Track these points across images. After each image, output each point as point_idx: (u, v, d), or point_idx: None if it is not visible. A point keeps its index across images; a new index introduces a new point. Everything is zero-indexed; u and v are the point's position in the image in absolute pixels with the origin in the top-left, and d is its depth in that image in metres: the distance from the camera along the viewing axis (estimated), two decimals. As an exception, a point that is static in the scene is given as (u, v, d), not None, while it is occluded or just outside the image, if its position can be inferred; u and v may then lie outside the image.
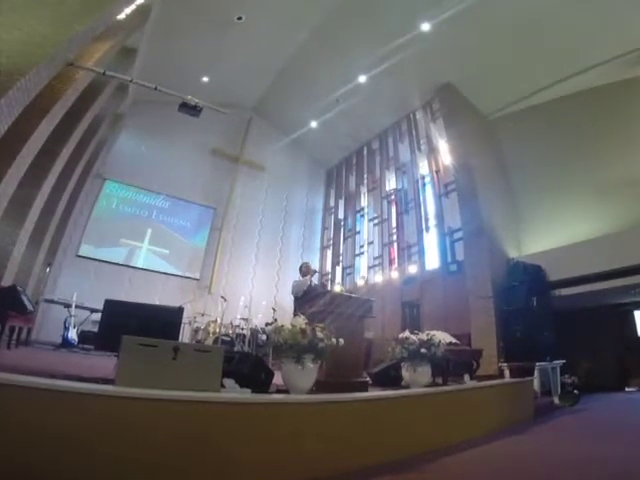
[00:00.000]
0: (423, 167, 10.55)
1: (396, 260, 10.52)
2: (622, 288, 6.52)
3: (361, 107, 10.82)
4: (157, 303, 9.03)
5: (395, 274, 10.19)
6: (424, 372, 3.71)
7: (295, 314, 3.21)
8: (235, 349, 7.26)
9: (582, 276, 6.66)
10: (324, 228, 14.27)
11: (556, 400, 5.84)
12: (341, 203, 13.76)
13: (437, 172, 9.86)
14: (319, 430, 2.41)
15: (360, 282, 11.46)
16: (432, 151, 10.22)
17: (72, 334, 7.44)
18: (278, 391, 2.86)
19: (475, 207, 7.92)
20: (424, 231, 9.86)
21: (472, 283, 7.57)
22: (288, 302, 7.87)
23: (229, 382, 2.44)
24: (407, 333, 3.90)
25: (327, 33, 9.53)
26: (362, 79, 9.94)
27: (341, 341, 2.89)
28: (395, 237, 10.81)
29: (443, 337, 4.13)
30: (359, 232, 12.49)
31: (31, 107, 4.46)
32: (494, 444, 3.40)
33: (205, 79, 10.92)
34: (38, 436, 1.62)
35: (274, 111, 13.14)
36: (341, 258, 12.90)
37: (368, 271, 11.43)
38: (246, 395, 2.35)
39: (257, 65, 10.85)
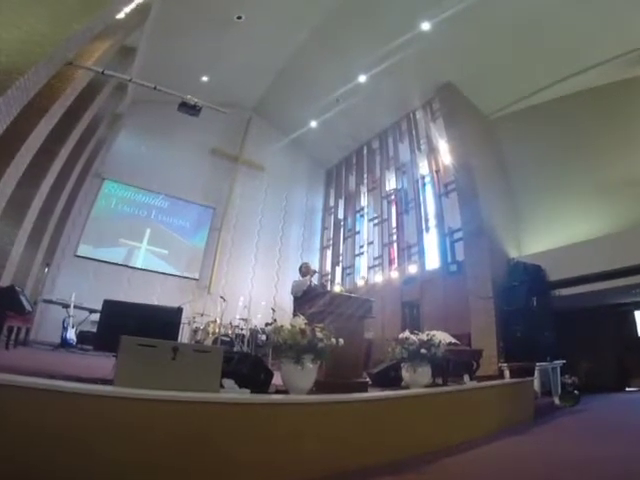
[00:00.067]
0: (423, 167, 10.54)
1: (396, 260, 10.52)
2: (622, 288, 6.52)
3: (361, 107, 10.81)
4: (156, 303, 9.03)
5: (395, 274, 10.18)
6: (424, 372, 3.71)
7: (295, 314, 3.20)
8: (234, 349, 7.24)
9: (582, 276, 6.65)
10: (324, 228, 14.26)
11: (556, 400, 5.84)
12: (341, 203, 13.75)
13: (437, 172, 9.85)
14: (318, 430, 2.41)
15: (360, 282, 11.45)
16: (432, 151, 10.21)
17: (71, 334, 7.42)
18: (277, 391, 2.85)
19: (475, 207, 7.91)
20: (424, 231, 9.85)
21: (472, 283, 7.56)
22: (288, 302, 7.85)
23: (228, 382, 2.43)
24: (407, 333, 3.89)
25: (327, 33, 9.53)
26: (362, 79, 9.93)
27: (341, 341, 2.88)
28: (395, 237, 10.80)
29: (443, 337, 4.12)
30: (359, 232, 12.48)
31: (30, 106, 4.45)
32: (494, 445, 3.39)
33: (205, 78, 10.90)
34: (36, 436, 1.62)
35: (274, 111, 13.12)
36: (341, 258, 12.89)
37: (368, 271, 11.42)
38: (245, 395, 2.35)
39: (257, 65, 10.84)
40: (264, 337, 7.77)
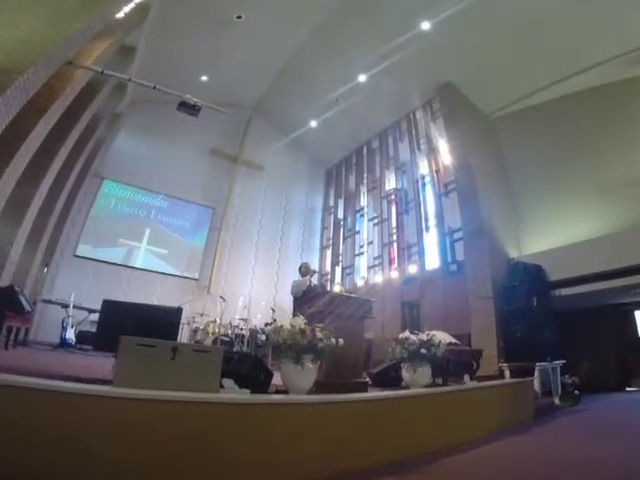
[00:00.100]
0: (423, 167, 10.53)
1: (396, 260, 10.51)
2: (622, 288, 6.51)
3: (361, 106, 10.80)
4: (155, 303, 9.03)
5: (395, 274, 10.18)
6: (424, 372, 3.70)
7: (294, 314, 3.20)
8: (234, 349, 7.23)
9: (582, 276, 6.64)
10: (324, 228, 14.24)
11: (557, 400, 5.83)
12: (341, 203, 13.74)
13: (437, 172, 9.84)
14: (318, 431, 2.40)
15: (360, 282, 11.44)
16: (432, 151, 10.20)
17: (70, 334, 7.41)
18: (277, 391, 2.84)
19: (475, 207, 7.90)
20: (424, 231, 9.84)
21: (472, 283, 7.56)
22: (287, 302, 7.84)
23: (228, 382, 2.43)
24: (407, 333, 3.89)
25: (327, 32, 9.51)
26: (362, 78, 9.92)
27: (341, 341, 2.88)
28: (395, 237, 10.79)
29: (443, 337, 4.12)
30: (359, 232, 12.47)
31: (29, 106, 4.44)
32: (494, 445, 3.39)
33: (204, 78, 10.89)
34: (33, 436, 1.62)
35: (273, 110, 13.11)
36: (341, 258, 12.88)
37: (368, 271, 11.41)
38: (245, 395, 2.34)
39: (256, 64, 10.83)
40: (264, 337, 7.76)
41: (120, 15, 5.91)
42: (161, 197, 11.49)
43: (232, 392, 2.37)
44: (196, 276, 11.27)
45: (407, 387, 3.72)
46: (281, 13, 9.13)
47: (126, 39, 7.29)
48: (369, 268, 11.40)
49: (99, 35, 5.63)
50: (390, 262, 10.68)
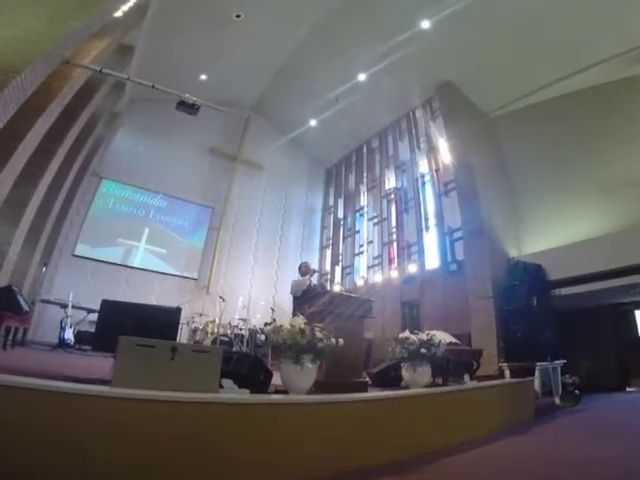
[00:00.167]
0: (423, 166, 10.53)
1: (396, 260, 10.50)
2: (622, 288, 6.51)
3: (361, 105, 10.79)
4: (154, 303, 9.02)
5: (395, 274, 10.17)
6: (424, 372, 3.69)
7: (294, 314, 3.18)
8: (233, 349, 7.22)
9: (582, 275, 6.64)
10: (323, 227, 14.23)
11: (557, 400, 5.82)
12: (340, 202, 13.73)
13: (437, 171, 9.84)
14: (318, 431, 2.40)
15: (360, 282, 11.43)
16: (432, 150, 10.19)
17: (69, 334, 7.39)
18: (277, 391, 2.83)
19: (475, 206, 7.89)
20: (424, 230, 9.83)
21: (472, 283, 7.55)
22: (287, 302, 7.84)
23: (227, 382, 2.42)
24: (407, 333, 3.87)
25: (327, 31, 9.50)
26: (362, 77, 9.91)
27: (340, 341, 2.87)
28: (395, 236, 10.79)
29: (443, 337, 4.11)
30: (358, 231, 12.46)
31: (27, 105, 4.41)
32: (495, 445, 3.38)
33: (203, 77, 10.87)
34: (30, 436, 1.62)
35: (273, 109, 13.09)
36: (340, 258, 12.87)
37: (368, 271, 11.41)
38: (245, 396, 2.34)
39: (256, 63, 10.81)
40: (263, 337, 7.74)
41: (118, 14, 5.88)
42: (160, 196, 11.46)
43: (231, 392, 2.36)
44: (195, 276, 11.25)
45: (407, 387, 3.71)
46: (280, 12, 9.11)
47: (124, 38, 7.25)
48: (369, 268, 11.39)
49: (97, 34, 5.60)
50: (390, 262, 10.67)
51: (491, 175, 8.66)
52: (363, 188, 12.79)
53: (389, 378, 4.03)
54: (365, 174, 12.80)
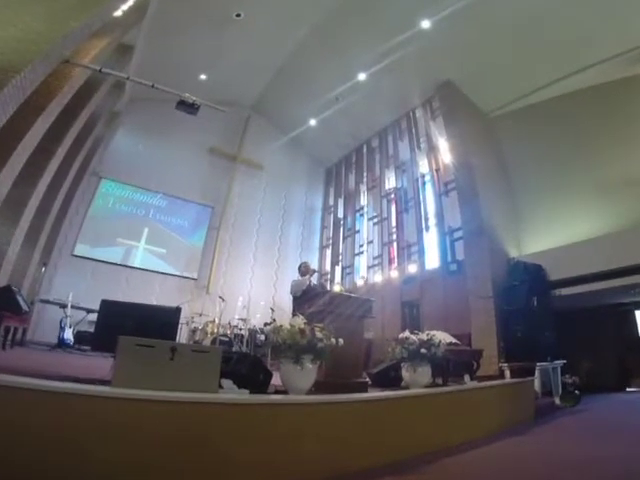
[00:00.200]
0: (423, 165, 10.52)
1: (396, 259, 10.49)
2: (622, 288, 6.50)
3: (361, 105, 10.77)
4: (154, 303, 9.01)
5: (395, 274, 10.16)
6: (424, 372, 3.69)
7: (294, 314, 3.17)
8: (233, 349, 7.22)
9: (582, 276, 6.63)
10: (323, 227, 14.22)
11: (557, 400, 5.82)
12: (340, 202, 13.72)
13: (437, 171, 9.83)
14: (318, 431, 2.39)
15: (359, 282, 11.42)
16: (432, 149, 10.18)
17: (68, 334, 7.38)
18: (277, 392, 2.83)
19: (475, 206, 7.89)
20: (424, 230, 9.83)
21: (472, 283, 7.55)
22: (287, 302, 7.83)
23: (227, 383, 2.42)
24: (407, 333, 3.87)
25: (327, 30, 9.49)
26: (362, 77, 9.89)
27: (340, 341, 2.86)
28: (395, 236, 10.78)
29: (443, 337, 4.10)
30: (358, 231, 12.45)
31: (26, 105, 4.41)
32: (495, 445, 3.38)
33: (203, 77, 10.86)
34: (28, 436, 1.62)
35: (273, 109, 13.08)
36: (340, 257, 12.86)
37: (368, 271, 11.40)
38: (244, 396, 2.33)
39: (256, 63, 10.80)
40: (263, 337, 7.73)
41: (118, 13, 5.87)
42: (159, 196, 11.45)
43: (231, 392, 2.36)
44: (195, 276, 11.24)
45: (407, 387, 3.71)
46: (280, 11, 9.10)
47: (124, 37, 7.24)
48: (369, 268, 11.39)
49: (97, 33, 5.59)
50: (390, 261, 10.66)
51: (491, 175, 8.65)
52: (363, 188, 12.78)
53: (389, 378, 4.02)
54: (365, 174, 12.79)
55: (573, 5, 6.83)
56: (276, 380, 2.92)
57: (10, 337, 5.26)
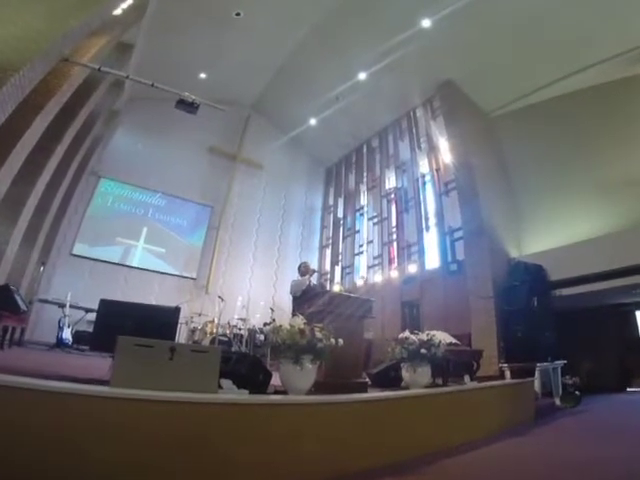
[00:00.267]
0: (423, 165, 10.51)
1: (396, 259, 10.48)
2: (623, 288, 6.50)
3: (361, 104, 10.76)
4: (153, 303, 8.99)
5: (395, 274, 10.15)
6: (424, 373, 3.67)
7: (294, 314, 3.16)
8: (232, 349, 7.20)
9: (583, 276, 6.62)
10: (323, 227, 14.21)
11: (557, 401, 5.81)
12: (340, 202, 13.71)
13: (437, 170, 9.82)
14: (318, 431, 2.38)
15: (359, 282, 11.41)
16: (432, 149, 10.18)
17: (66, 334, 7.37)
18: (276, 392, 2.82)
19: (476, 206, 7.88)
20: (424, 230, 9.82)
21: (472, 283, 7.54)
22: (286, 302, 7.81)
23: (226, 383, 2.41)
24: (407, 333, 3.86)
25: (327, 30, 9.48)
26: (362, 76, 9.88)
27: (340, 341, 2.85)
28: (395, 236, 10.77)
29: (443, 337, 4.09)
30: (358, 231, 12.45)
31: (25, 103, 4.40)
32: (495, 446, 3.37)
33: (203, 76, 10.85)
34: (26, 436, 1.61)
35: (273, 109, 13.07)
36: (340, 257, 12.85)
37: (367, 271, 11.39)
38: (244, 396, 2.32)
39: (256, 62, 10.78)
40: (262, 337, 7.72)
41: (118, 12, 5.88)
42: (159, 195, 11.43)
43: (230, 392, 2.35)
44: (194, 275, 11.22)
45: (407, 387, 3.70)
46: (280, 10, 9.09)
47: (124, 36, 7.22)
48: (369, 267, 11.38)
49: (96, 32, 5.59)
50: (390, 261, 10.65)
51: (491, 175, 8.64)
52: (363, 188, 12.77)
53: (389, 378, 4.01)
54: (365, 173, 12.78)
55: (573, 5, 6.83)
56: (276, 380, 2.92)
57: (8, 337, 5.25)
